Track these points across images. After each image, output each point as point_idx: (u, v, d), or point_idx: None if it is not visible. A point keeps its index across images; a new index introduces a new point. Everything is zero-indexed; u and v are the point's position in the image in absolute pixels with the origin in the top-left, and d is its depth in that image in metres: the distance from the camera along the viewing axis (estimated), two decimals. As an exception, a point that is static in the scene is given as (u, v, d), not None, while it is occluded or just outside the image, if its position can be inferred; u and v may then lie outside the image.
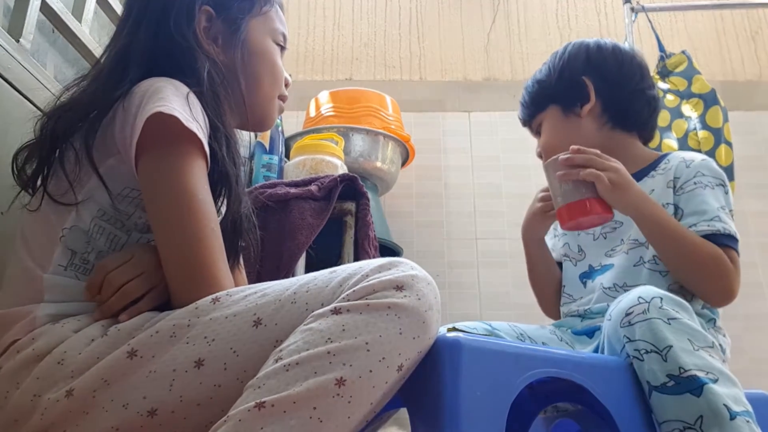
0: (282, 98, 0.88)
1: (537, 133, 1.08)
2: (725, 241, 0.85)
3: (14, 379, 0.59)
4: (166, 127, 0.64)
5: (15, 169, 0.73)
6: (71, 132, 0.70)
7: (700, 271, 0.85)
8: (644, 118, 1.00)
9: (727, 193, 0.91)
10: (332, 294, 0.59)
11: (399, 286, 0.57)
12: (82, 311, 0.65)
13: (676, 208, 0.91)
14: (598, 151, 0.88)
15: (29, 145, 0.73)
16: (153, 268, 0.65)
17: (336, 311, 0.55)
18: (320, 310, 0.56)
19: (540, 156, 1.05)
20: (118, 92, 0.69)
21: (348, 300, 0.56)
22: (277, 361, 0.53)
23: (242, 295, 0.61)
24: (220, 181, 0.72)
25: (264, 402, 0.50)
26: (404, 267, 0.60)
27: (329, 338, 0.54)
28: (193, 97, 0.69)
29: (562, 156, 0.87)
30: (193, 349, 0.58)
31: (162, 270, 0.65)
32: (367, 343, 0.54)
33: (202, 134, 0.67)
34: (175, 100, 0.66)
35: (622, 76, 0.99)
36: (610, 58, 1.00)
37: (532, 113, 1.07)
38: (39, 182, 0.71)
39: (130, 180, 0.68)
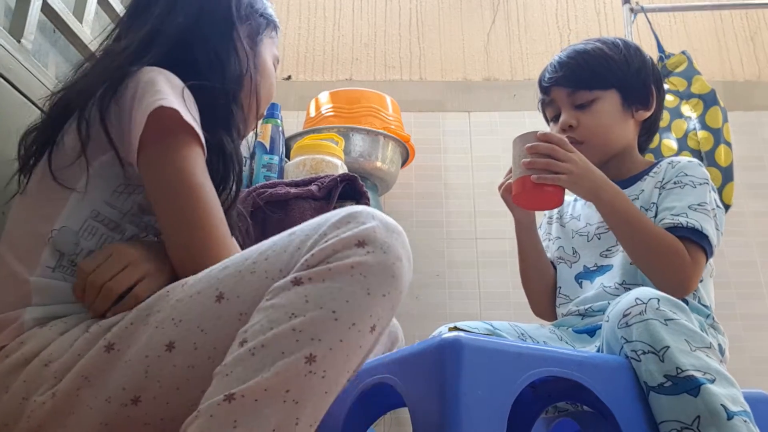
0: (259, 117, 0.89)
1: (576, 106, 0.98)
2: (687, 234, 0.86)
3: (3, 384, 0.59)
4: (167, 120, 0.65)
5: (23, 149, 0.73)
6: (84, 100, 0.69)
7: (653, 259, 0.86)
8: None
9: (712, 191, 0.92)
10: (291, 259, 0.56)
11: (361, 242, 0.53)
12: (70, 312, 0.65)
13: (657, 207, 0.92)
14: (564, 139, 0.90)
15: (38, 124, 0.74)
16: (138, 259, 0.65)
17: (297, 282, 0.52)
18: (280, 283, 0.53)
19: (568, 128, 0.99)
20: (133, 68, 0.70)
21: (308, 266, 0.53)
22: (242, 344, 0.51)
23: (206, 271, 0.60)
24: (225, 175, 0.75)
25: (233, 393, 0.48)
26: (363, 217, 0.55)
27: (293, 313, 0.51)
28: (187, 92, 0.70)
29: (528, 145, 0.89)
30: (162, 333, 0.57)
31: (152, 259, 0.65)
32: (333, 312, 0.51)
33: (197, 125, 0.68)
34: (170, 92, 0.67)
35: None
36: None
37: (591, 85, 0.98)
38: (34, 163, 0.71)
39: (122, 177, 0.69)
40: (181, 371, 0.56)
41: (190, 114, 0.68)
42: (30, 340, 0.61)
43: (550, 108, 1.04)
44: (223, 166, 0.75)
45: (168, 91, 0.66)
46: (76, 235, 0.68)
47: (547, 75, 1.02)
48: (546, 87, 1.03)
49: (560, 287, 1.02)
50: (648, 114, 1.02)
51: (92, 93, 0.69)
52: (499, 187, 1.02)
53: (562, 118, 1.00)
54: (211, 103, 0.74)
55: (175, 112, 0.65)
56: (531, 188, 0.89)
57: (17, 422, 0.57)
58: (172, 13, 0.77)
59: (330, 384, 0.50)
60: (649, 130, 1.05)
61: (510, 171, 0.98)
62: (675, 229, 0.86)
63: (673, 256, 0.84)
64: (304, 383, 0.49)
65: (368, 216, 0.55)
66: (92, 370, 0.57)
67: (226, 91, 0.76)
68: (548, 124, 1.06)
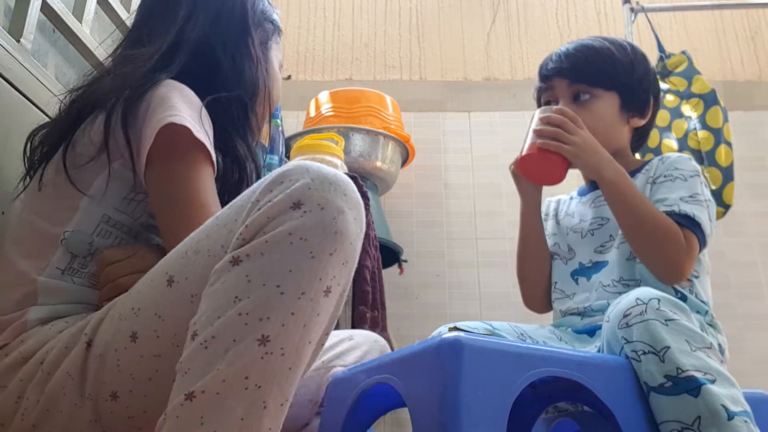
0: (269, 121, 0.89)
1: (575, 101, 0.99)
2: (681, 221, 0.86)
3: (1, 382, 0.60)
4: (177, 136, 0.65)
5: (29, 148, 0.73)
6: (112, 101, 0.68)
7: (649, 239, 0.86)
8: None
9: (702, 183, 0.92)
10: (229, 233, 0.54)
11: (295, 203, 0.50)
12: (74, 312, 0.65)
13: (650, 201, 0.93)
14: (577, 117, 0.93)
15: (49, 123, 0.74)
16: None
17: (235, 261, 0.50)
18: (219, 264, 0.51)
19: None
20: (160, 75, 0.70)
21: (244, 241, 0.51)
22: (193, 337, 0.49)
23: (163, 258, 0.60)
24: (240, 181, 0.75)
25: (193, 391, 0.46)
26: (296, 174, 0.52)
27: (236, 296, 0.48)
28: (204, 111, 0.70)
29: (542, 114, 0.94)
30: (126, 325, 0.56)
31: None
32: (278, 286, 0.48)
33: (209, 143, 0.68)
34: (185, 109, 0.67)
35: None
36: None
37: (594, 82, 0.98)
38: (45, 160, 0.70)
39: (134, 185, 0.69)
40: (149, 361, 0.55)
41: (203, 131, 0.67)
42: (30, 339, 0.61)
43: (546, 94, 1.04)
44: (239, 172, 0.75)
45: (182, 107, 0.66)
46: (90, 236, 0.68)
47: (551, 64, 1.02)
48: (547, 76, 1.02)
49: (556, 282, 1.02)
50: (642, 123, 1.02)
51: (119, 96, 0.68)
52: (510, 165, 1.04)
53: None
54: (228, 111, 0.74)
55: (185, 129, 0.65)
56: (535, 154, 0.92)
57: (12, 421, 0.57)
58: (192, 19, 0.77)
59: (292, 359, 0.49)
60: (639, 138, 1.05)
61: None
62: (670, 215, 0.87)
63: (670, 238, 0.85)
64: (262, 366, 0.47)
65: (301, 172, 0.52)
66: (74, 368, 0.57)
67: (243, 99, 0.77)
68: None
